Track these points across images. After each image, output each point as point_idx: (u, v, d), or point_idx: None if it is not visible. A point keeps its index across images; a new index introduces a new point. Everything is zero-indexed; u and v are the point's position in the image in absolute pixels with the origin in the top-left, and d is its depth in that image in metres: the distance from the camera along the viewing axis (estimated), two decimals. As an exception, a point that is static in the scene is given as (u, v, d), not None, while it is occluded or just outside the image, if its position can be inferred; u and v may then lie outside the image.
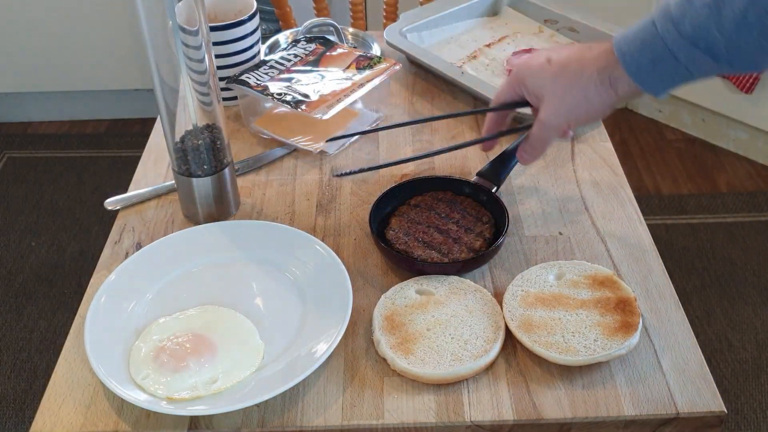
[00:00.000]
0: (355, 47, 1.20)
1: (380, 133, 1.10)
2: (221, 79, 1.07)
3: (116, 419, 0.71)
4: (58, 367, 0.77)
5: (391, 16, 1.73)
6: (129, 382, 0.73)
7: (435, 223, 0.88)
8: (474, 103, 1.15)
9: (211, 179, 0.91)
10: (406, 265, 0.85)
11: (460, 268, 0.84)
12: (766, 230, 2.10)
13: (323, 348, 0.74)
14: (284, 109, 1.03)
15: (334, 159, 1.05)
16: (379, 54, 1.22)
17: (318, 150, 1.05)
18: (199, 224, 0.92)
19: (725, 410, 0.71)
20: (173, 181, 0.95)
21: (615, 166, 1.02)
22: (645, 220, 0.93)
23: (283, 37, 1.27)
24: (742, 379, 1.70)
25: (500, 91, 0.89)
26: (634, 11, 2.34)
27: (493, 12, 1.35)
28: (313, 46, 1.14)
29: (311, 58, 1.11)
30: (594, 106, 0.80)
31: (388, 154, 1.06)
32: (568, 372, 0.74)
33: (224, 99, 1.13)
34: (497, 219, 0.89)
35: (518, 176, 1.00)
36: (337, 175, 1.00)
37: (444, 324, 0.77)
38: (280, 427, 0.71)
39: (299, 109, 1.00)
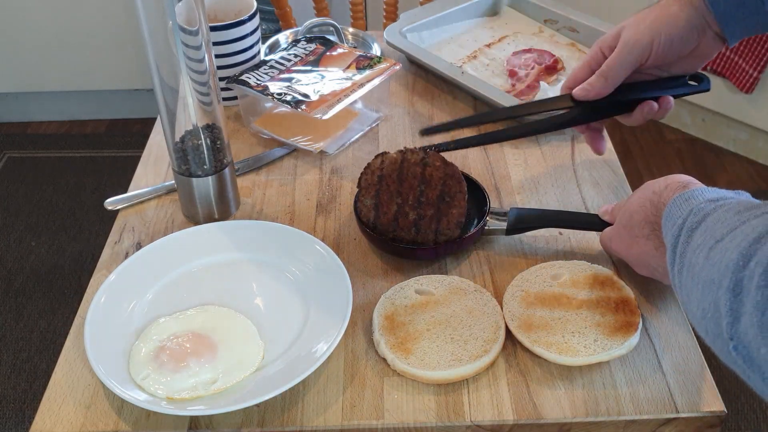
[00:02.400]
0: (355, 47, 1.20)
1: (380, 132, 1.10)
2: (221, 79, 1.07)
3: (116, 419, 0.71)
4: (58, 367, 0.77)
5: (391, 16, 1.73)
6: (129, 382, 0.73)
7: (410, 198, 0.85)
8: (474, 103, 1.15)
9: (211, 179, 0.91)
10: (391, 249, 0.87)
11: (445, 250, 0.86)
12: (766, 230, 2.10)
13: (323, 348, 0.74)
14: (284, 109, 1.03)
15: (334, 159, 1.05)
16: (379, 54, 1.22)
17: (318, 150, 1.05)
18: (199, 224, 0.92)
19: (725, 410, 0.71)
20: (173, 181, 0.95)
21: (615, 166, 1.02)
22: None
23: (283, 37, 1.27)
24: (742, 379, 1.69)
25: (577, 68, 0.89)
26: (634, 12, 2.35)
27: (493, 12, 1.35)
28: (313, 46, 1.14)
29: (311, 58, 1.11)
30: (677, 19, 0.79)
31: (388, 154, 1.06)
32: (568, 372, 0.74)
33: (224, 99, 1.13)
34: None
35: (519, 176, 1.00)
36: (424, 132, 0.96)
37: (444, 324, 0.77)
38: (280, 427, 0.71)
39: (299, 109, 1.00)
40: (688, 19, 0.80)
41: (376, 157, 0.88)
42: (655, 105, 0.88)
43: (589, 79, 0.86)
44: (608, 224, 0.85)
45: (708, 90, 0.91)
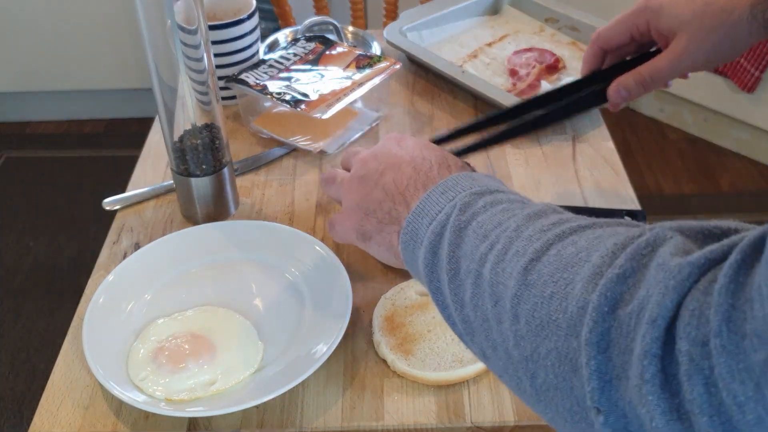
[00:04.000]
0: (354, 46, 1.19)
1: (380, 132, 1.09)
2: (220, 78, 1.07)
3: (115, 420, 0.71)
4: (56, 368, 0.76)
5: (392, 14, 1.73)
6: (127, 383, 0.72)
7: None
8: (475, 102, 1.15)
9: (210, 179, 0.90)
10: None
11: None
12: (766, 230, 2.09)
13: (323, 349, 0.74)
14: (284, 108, 1.03)
15: (334, 159, 1.04)
16: (379, 53, 1.22)
17: (318, 150, 1.04)
18: (198, 224, 0.91)
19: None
20: (172, 181, 0.94)
21: (617, 166, 1.01)
22: (647, 221, 0.92)
23: (283, 36, 1.27)
24: None
25: (614, 23, 0.79)
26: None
27: (494, 11, 1.35)
28: (312, 44, 1.13)
29: (311, 57, 1.11)
30: (738, 46, 0.73)
31: (388, 153, 1.05)
32: (569, 373, 0.74)
33: (223, 98, 1.13)
34: None
35: (520, 175, 1.00)
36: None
37: (444, 325, 0.76)
38: (280, 428, 0.70)
39: (299, 109, 0.99)
40: (747, 44, 0.72)
41: None
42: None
43: (627, 84, 0.78)
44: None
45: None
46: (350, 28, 1.29)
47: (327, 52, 1.11)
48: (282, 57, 1.11)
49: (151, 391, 0.72)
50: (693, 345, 0.35)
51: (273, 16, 1.75)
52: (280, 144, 1.06)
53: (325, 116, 0.98)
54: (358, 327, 0.79)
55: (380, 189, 0.63)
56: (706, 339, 0.34)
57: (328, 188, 0.73)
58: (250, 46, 1.12)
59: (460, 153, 0.88)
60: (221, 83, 1.06)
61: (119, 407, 0.72)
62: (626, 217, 0.88)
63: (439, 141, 0.82)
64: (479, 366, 0.73)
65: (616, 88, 0.77)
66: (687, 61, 0.74)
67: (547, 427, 0.70)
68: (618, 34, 0.78)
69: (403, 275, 0.85)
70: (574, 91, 0.82)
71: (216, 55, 1.07)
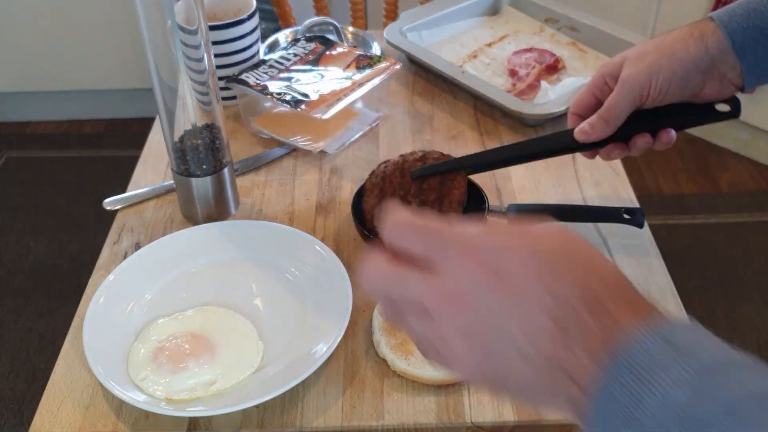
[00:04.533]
0: (355, 46, 1.20)
1: (380, 132, 1.10)
2: (220, 78, 1.07)
3: (115, 420, 0.71)
4: (56, 368, 0.76)
5: (392, 15, 1.73)
6: (128, 382, 0.72)
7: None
8: (474, 103, 1.15)
9: (211, 179, 0.90)
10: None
11: None
12: (767, 231, 2.10)
13: (323, 349, 0.74)
14: (284, 108, 1.03)
15: (334, 159, 1.05)
16: (379, 53, 1.22)
17: (318, 150, 1.04)
18: (199, 224, 0.91)
19: (728, 411, 0.71)
20: (172, 181, 0.95)
21: (616, 166, 1.01)
22: (646, 219, 0.92)
23: (283, 36, 1.27)
24: None
25: (580, 92, 0.83)
26: (635, 11, 2.34)
27: (494, 11, 1.35)
28: (312, 45, 1.13)
29: (311, 57, 1.11)
30: (680, 61, 0.74)
31: (388, 153, 1.05)
32: (569, 373, 0.74)
33: (223, 98, 1.13)
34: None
35: (519, 176, 1.00)
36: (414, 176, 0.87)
37: (444, 324, 0.77)
38: (280, 428, 0.70)
39: (299, 109, 1.00)
40: (692, 60, 0.74)
41: (380, 164, 0.90)
42: (649, 138, 0.81)
43: (590, 119, 0.79)
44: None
45: (737, 116, 0.82)
46: (350, 29, 1.29)
47: (327, 53, 1.12)
48: (282, 57, 1.11)
49: (152, 390, 0.72)
50: None
51: (273, 17, 1.75)
52: (281, 144, 1.06)
53: (326, 116, 0.98)
54: (358, 327, 0.79)
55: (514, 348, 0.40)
56: None
57: (397, 318, 0.45)
58: (250, 47, 1.12)
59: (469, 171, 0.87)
60: (221, 83, 1.06)
61: (120, 407, 0.72)
62: (625, 215, 0.88)
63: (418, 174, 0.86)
64: (479, 366, 0.73)
65: (581, 126, 0.80)
66: (631, 82, 0.75)
67: (546, 427, 0.71)
68: (582, 95, 0.82)
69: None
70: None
71: (216, 56, 1.08)
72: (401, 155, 0.89)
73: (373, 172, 0.90)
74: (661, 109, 0.79)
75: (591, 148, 0.82)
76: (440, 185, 0.85)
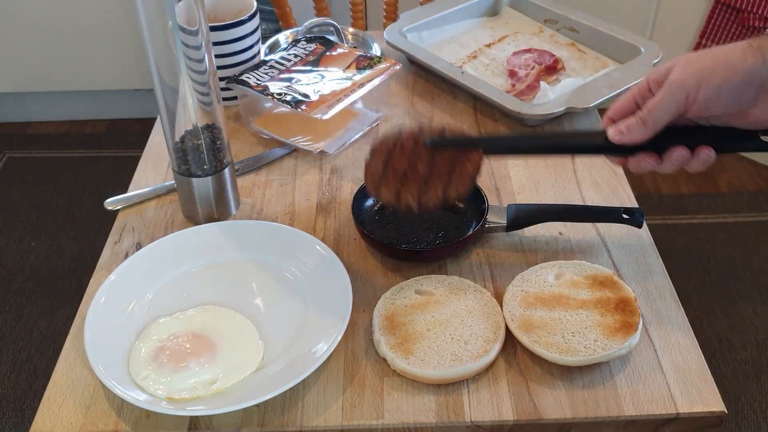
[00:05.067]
0: (355, 47, 1.20)
1: (380, 132, 1.10)
2: (221, 79, 1.07)
3: (116, 419, 0.71)
4: (57, 367, 0.77)
5: (392, 15, 1.73)
6: (129, 382, 0.73)
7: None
8: (474, 103, 1.15)
9: (211, 179, 0.91)
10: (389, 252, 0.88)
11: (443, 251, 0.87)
12: (766, 230, 2.10)
13: (323, 348, 0.74)
14: (284, 109, 1.03)
15: (334, 159, 1.05)
16: (379, 54, 1.22)
17: (318, 150, 1.05)
18: (199, 224, 0.92)
19: (725, 410, 0.71)
20: (173, 181, 0.95)
21: (615, 167, 1.02)
22: (645, 219, 0.93)
23: (283, 37, 1.27)
24: (742, 379, 1.70)
25: (621, 98, 0.76)
26: (634, 11, 2.34)
27: (494, 12, 1.35)
28: (313, 46, 1.14)
29: (311, 58, 1.11)
30: (734, 70, 0.67)
31: (388, 154, 1.06)
32: (568, 372, 0.74)
33: (224, 99, 1.13)
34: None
35: (519, 176, 1.00)
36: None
37: (444, 324, 0.77)
38: (280, 427, 0.71)
39: (299, 109, 1.00)
40: (748, 71, 0.67)
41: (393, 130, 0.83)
42: (687, 152, 0.73)
43: (627, 120, 0.74)
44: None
45: None
46: (350, 30, 1.30)
47: (327, 53, 1.12)
48: (283, 58, 1.11)
49: (153, 390, 0.72)
50: None
51: (274, 18, 1.75)
52: (281, 144, 1.07)
53: (326, 117, 0.99)
54: (358, 326, 0.80)
55: None
56: None
57: None
58: (250, 47, 1.12)
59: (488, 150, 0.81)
60: (222, 84, 1.06)
61: (121, 406, 0.72)
62: (624, 215, 0.89)
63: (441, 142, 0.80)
64: (478, 365, 0.73)
65: (616, 126, 0.74)
66: (677, 84, 0.70)
67: (546, 426, 0.71)
68: (622, 100, 0.76)
69: (403, 275, 0.85)
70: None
71: (217, 56, 1.08)
72: (420, 124, 0.82)
73: (384, 134, 0.82)
74: (702, 126, 0.74)
75: (622, 153, 0.76)
76: (454, 158, 0.78)
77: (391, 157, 0.79)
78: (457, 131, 0.81)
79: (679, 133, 0.74)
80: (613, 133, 0.74)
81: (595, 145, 0.78)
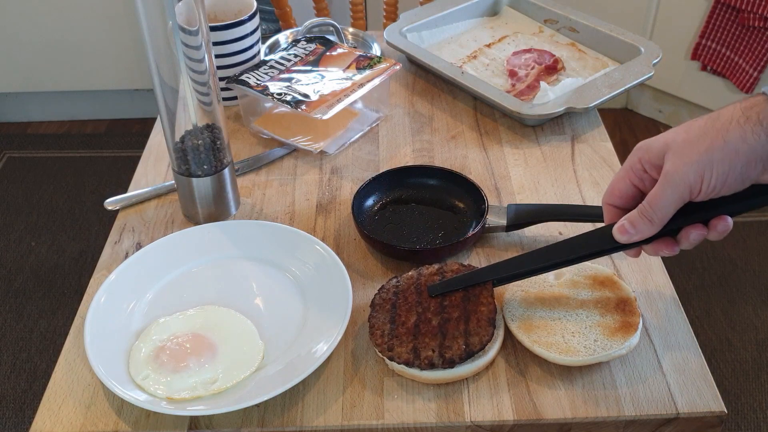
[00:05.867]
0: (355, 47, 1.20)
1: (380, 132, 1.10)
2: (221, 79, 1.07)
3: (116, 419, 0.71)
4: (58, 367, 0.77)
5: (391, 15, 1.73)
6: (129, 382, 0.73)
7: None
8: (474, 103, 1.15)
9: (211, 179, 0.91)
10: (391, 252, 0.87)
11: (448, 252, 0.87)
12: (766, 230, 2.10)
13: (323, 348, 0.74)
14: (284, 109, 1.03)
15: (334, 159, 1.05)
16: (379, 54, 1.22)
17: (318, 150, 1.05)
18: (199, 224, 0.92)
19: (725, 410, 0.71)
20: (173, 181, 0.95)
21: (615, 166, 1.02)
22: (645, 220, 0.93)
23: (283, 37, 1.27)
24: (742, 379, 1.70)
25: (615, 179, 0.72)
26: (634, 11, 2.35)
27: (493, 12, 1.35)
28: (313, 46, 1.14)
29: (311, 58, 1.11)
30: (737, 152, 0.63)
31: (388, 153, 1.06)
32: (568, 372, 0.74)
33: (224, 99, 1.13)
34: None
35: (519, 176, 1.00)
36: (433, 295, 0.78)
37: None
38: (280, 427, 0.71)
39: (299, 109, 1.00)
40: (751, 151, 0.63)
41: (390, 279, 0.81)
42: (703, 230, 0.69)
43: (631, 216, 0.69)
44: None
45: None
46: (350, 30, 1.30)
47: (327, 53, 1.12)
48: (283, 58, 1.11)
49: (153, 390, 0.72)
50: None
51: (274, 18, 1.76)
52: (281, 144, 1.07)
53: (326, 117, 0.99)
54: (358, 326, 0.80)
55: None
56: None
57: None
58: (250, 47, 1.12)
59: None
60: (222, 84, 1.06)
61: (121, 406, 0.72)
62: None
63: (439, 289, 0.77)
64: (478, 365, 0.73)
65: (620, 224, 0.70)
66: (678, 179, 0.66)
67: (545, 426, 0.71)
68: (617, 183, 0.72)
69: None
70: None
71: (217, 56, 1.08)
72: (415, 269, 0.81)
73: (382, 287, 0.80)
74: (713, 199, 0.68)
75: (635, 245, 0.71)
76: (464, 301, 0.76)
77: (397, 310, 0.77)
78: (456, 269, 0.79)
79: (691, 211, 0.69)
80: (620, 236, 0.70)
81: (605, 248, 0.74)
